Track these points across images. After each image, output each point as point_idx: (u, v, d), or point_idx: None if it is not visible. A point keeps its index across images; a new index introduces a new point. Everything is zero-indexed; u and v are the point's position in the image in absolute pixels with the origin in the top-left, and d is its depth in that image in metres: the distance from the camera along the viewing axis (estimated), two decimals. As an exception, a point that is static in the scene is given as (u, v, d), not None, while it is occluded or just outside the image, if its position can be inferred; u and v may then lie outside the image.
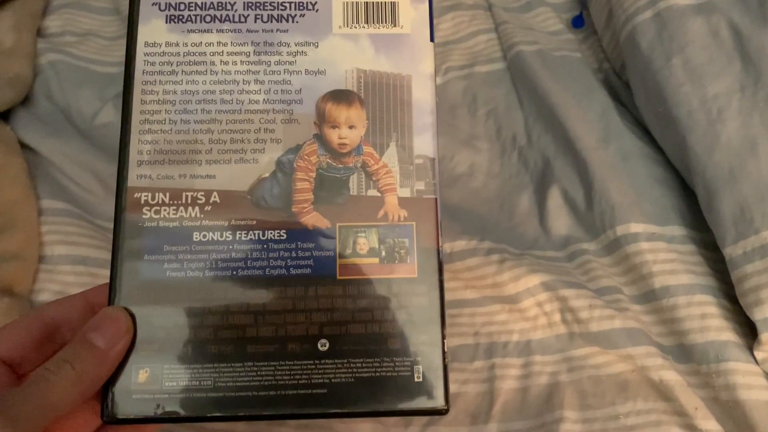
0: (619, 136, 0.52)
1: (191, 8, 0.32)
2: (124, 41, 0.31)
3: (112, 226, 0.51)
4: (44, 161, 0.54)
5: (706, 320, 0.43)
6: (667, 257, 0.45)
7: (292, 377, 0.29)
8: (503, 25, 0.61)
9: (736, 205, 0.42)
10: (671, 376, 0.42)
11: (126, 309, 0.29)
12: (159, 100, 0.31)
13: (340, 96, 0.31)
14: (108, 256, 0.48)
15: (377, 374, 0.30)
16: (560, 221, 0.51)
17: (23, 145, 0.54)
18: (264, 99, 0.31)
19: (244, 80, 0.31)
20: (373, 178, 0.31)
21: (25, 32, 0.59)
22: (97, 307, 0.30)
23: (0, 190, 0.49)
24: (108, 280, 0.30)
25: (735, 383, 0.41)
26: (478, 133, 0.57)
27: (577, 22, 0.61)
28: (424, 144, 0.32)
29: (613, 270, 0.48)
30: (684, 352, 0.43)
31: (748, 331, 0.43)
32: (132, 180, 0.30)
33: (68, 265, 0.48)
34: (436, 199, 0.31)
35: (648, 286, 0.45)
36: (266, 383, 0.29)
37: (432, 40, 0.33)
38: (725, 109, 0.46)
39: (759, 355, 0.41)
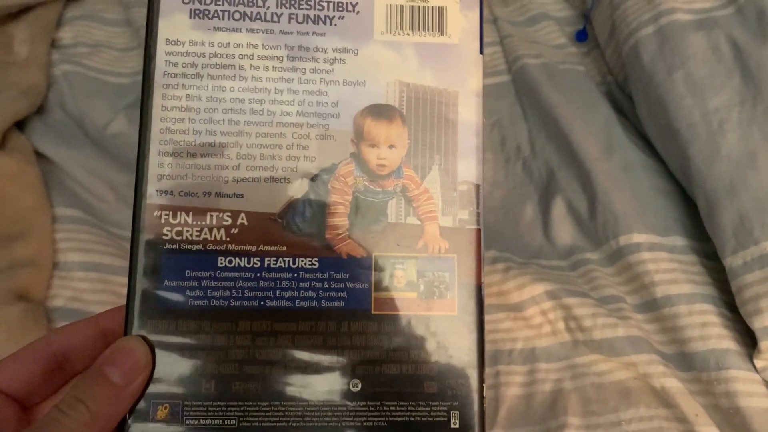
0: (622, 147, 0.53)
1: (218, 2, 0.29)
2: (135, 53, 0.28)
3: (124, 233, 0.53)
4: (58, 170, 0.55)
5: (707, 329, 0.44)
6: (669, 267, 0.46)
7: (321, 419, 0.27)
8: (508, 38, 0.62)
9: (736, 215, 0.43)
10: (672, 383, 0.43)
11: (144, 339, 0.27)
12: (182, 107, 0.28)
13: (381, 112, 0.29)
14: (121, 263, 0.50)
15: (412, 419, 0.28)
16: (564, 231, 0.52)
17: (38, 154, 0.55)
18: (297, 111, 0.28)
19: (276, 89, 0.28)
20: (413, 205, 0.29)
21: (39, 44, 0.60)
22: (109, 334, 0.28)
23: (16, 198, 0.50)
24: (121, 301, 0.28)
25: (735, 391, 0.42)
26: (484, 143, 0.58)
27: (581, 36, 0.62)
28: (469, 169, 0.29)
29: (615, 279, 0.49)
30: (685, 360, 0.44)
31: (748, 340, 0.44)
32: (151, 196, 0.28)
33: (81, 272, 0.49)
34: (479, 230, 0.29)
35: (650, 295, 0.46)
36: (294, 424, 0.27)
37: (482, 52, 0.30)
38: (725, 122, 0.47)
39: (759, 363, 0.42)
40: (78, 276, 0.49)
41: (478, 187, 0.29)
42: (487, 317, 0.48)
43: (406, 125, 0.29)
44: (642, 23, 0.53)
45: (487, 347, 0.47)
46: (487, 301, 0.48)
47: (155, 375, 0.27)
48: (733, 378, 0.42)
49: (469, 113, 0.29)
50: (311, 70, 0.29)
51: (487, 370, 0.46)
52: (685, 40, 0.51)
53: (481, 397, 0.28)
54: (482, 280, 0.29)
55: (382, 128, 0.29)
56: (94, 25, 0.65)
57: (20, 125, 0.57)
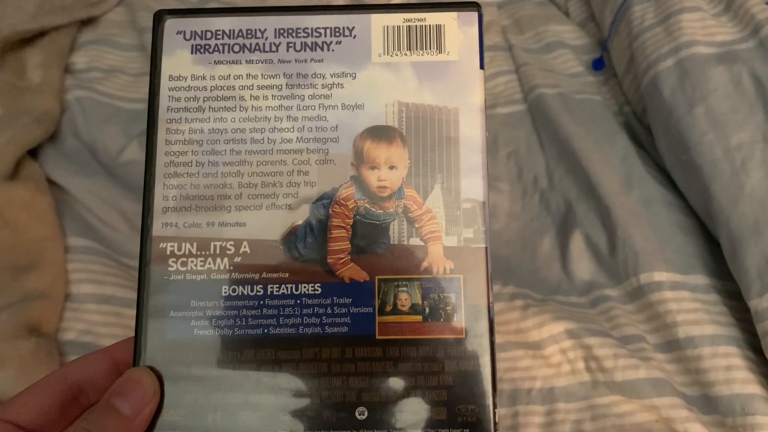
0: (642, 181, 0.53)
1: (218, 36, 0.29)
2: (148, 78, 0.29)
3: (137, 264, 0.52)
4: (71, 198, 0.54)
5: (732, 372, 0.43)
6: (691, 307, 0.46)
7: None
8: (523, 67, 0.62)
9: (762, 256, 0.43)
10: (697, 428, 0.42)
11: (152, 369, 0.27)
12: (185, 140, 0.29)
13: (380, 133, 0.28)
14: (133, 295, 0.49)
15: None
16: (583, 266, 0.51)
17: (51, 182, 0.55)
18: (297, 137, 0.29)
19: (276, 117, 0.29)
20: (416, 225, 0.28)
21: (53, 69, 0.60)
22: (122, 365, 0.28)
23: (28, 227, 0.50)
24: (132, 333, 0.28)
25: (761, 437, 0.41)
26: (500, 174, 0.58)
27: (598, 65, 0.62)
28: (473, 186, 0.28)
29: (636, 317, 0.48)
30: (709, 404, 0.43)
31: (774, 384, 0.43)
32: (157, 228, 0.28)
33: (94, 304, 0.48)
34: (486, 248, 0.28)
35: (672, 336, 0.46)
36: None
37: (482, 67, 0.29)
38: (749, 159, 0.46)
39: (785, 408, 0.41)
40: (90, 308, 0.48)
41: (483, 204, 0.28)
42: (505, 355, 0.47)
43: (407, 145, 0.29)
44: (661, 55, 0.53)
45: (506, 386, 0.46)
46: (505, 338, 0.47)
47: (164, 405, 0.27)
48: (760, 425, 0.41)
49: (470, 129, 0.28)
50: (310, 97, 0.29)
51: (506, 410, 0.45)
52: (705, 74, 0.50)
53: (494, 423, 0.27)
54: (491, 300, 0.28)
55: (382, 150, 0.28)
56: (108, 50, 0.64)
57: (33, 152, 0.56)
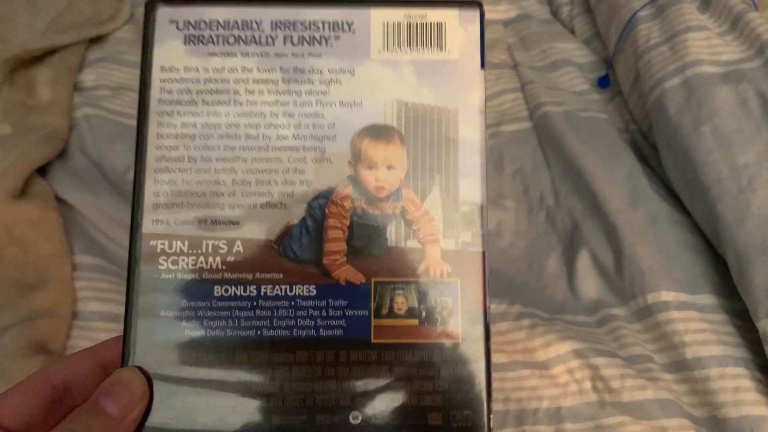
0: (648, 199, 0.53)
1: (213, 27, 0.28)
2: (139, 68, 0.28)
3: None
4: (79, 216, 0.54)
5: (740, 394, 0.43)
6: (699, 327, 0.45)
7: None
8: (529, 85, 0.62)
9: (769, 276, 0.43)
10: (705, 450, 0.42)
11: (141, 370, 0.26)
12: (177, 134, 0.28)
13: (379, 132, 0.28)
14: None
15: None
16: (589, 284, 0.51)
17: (59, 200, 0.55)
18: (293, 134, 0.28)
19: (271, 112, 0.28)
20: (414, 227, 0.28)
21: (62, 87, 0.60)
22: (109, 365, 0.28)
23: (36, 245, 0.50)
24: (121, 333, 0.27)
25: (770, 459, 0.41)
26: (505, 191, 0.58)
27: (604, 83, 0.62)
28: (471, 189, 0.28)
29: (643, 337, 0.48)
30: (717, 425, 0.43)
31: (783, 406, 0.43)
32: (147, 225, 0.27)
33: (101, 322, 0.49)
34: (483, 252, 0.28)
35: (679, 356, 0.45)
36: None
37: (483, 66, 0.29)
38: (755, 178, 0.46)
39: (794, 430, 0.41)
40: (97, 326, 0.49)
41: (481, 207, 0.28)
42: (512, 374, 0.47)
43: (405, 145, 0.28)
44: (667, 74, 0.53)
45: (512, 406, 0.46)
46: (512, 357, 0.47)
47: (152, 407, 0.26)
48: (769, 447, 0.41)
49: (470, 131, 0.28)
50: (307, 92, 0.28)
51: (512, 430, 0.45)
52: (711, 93, 0.50)
53: (489, 429, 0.27)
54: (487, 305, 0.27)
55: (380, 149, 0.28)
56: (116, 68, 0.65)
57: (41, 169, 0.57)
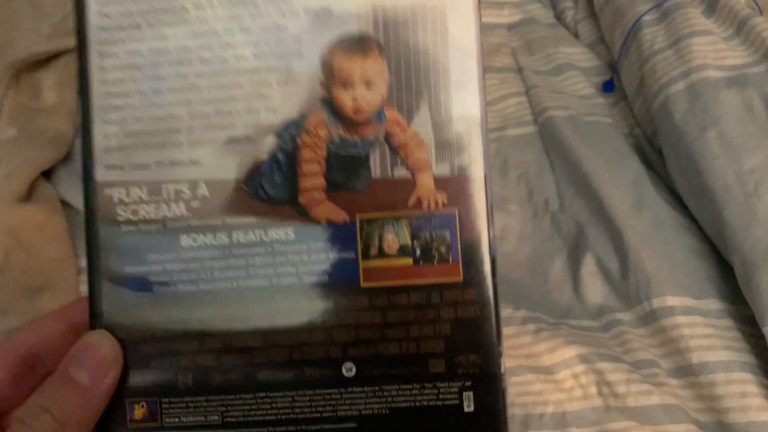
0: (653, 204, 0.53)
1: None
2: None
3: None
4: (83, 219, 0.54)
5: (746, 399, 0.42)
6: (705, 332, 0.45)
7: (313, 409, 0.24)
8: (533, 89, 0.62)
9: (775, 282, 0.43)
10: (711, 455, 0.42)
11: (112, 333, 0.24)
12: (122, 65, 0.24)
13: (352, 43, 0.24)
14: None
15: (417, 404, 0.24)
16: (594, 289, 0.51)
17: (64, 203, 0.55)
18: (253, 53, 0.24)
19: (225, 29, 0.24)
20: (401, 154, 0.24)
21: (67, 90, 0.60)
22: (81, 327, 0.25)
23: (42, 249, 0.50)
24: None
25: (776, 465, 0.40)
26: (510, 195, 0.58)
27: (608, 87, 0.62)
28: (467, 101, 0.24)
29: (648, 342, 0.48)
30: (723, 430, 0.43)
31: (790, 411, 0.43)
32: (100, 173, 0.24)
33: (106, 326, 0.48)
34: (485, 175, 0.24)
35: (685, 361, 0.45)
36: (283, 417, 0.24)
37: None
38: (761, 184, 0.46)
39: (801, 436, 0.41)
40: (102, 330, 0.48)
41: (480, 122, 0.24)
42: (517, 379, 0.47)
43: (385, 57, 0.24)
44: (672, 79, 0.53)
45: (517, 411, 0.46)
46: (517, 362, 0.47)
47: (129, 371, 0.24)
48: (775, 452, 0.41)
49: (462, 32, 0.24)
50: (264, 2, 0.24)
51: (518, 436, 0.45)
52: (716, 98, 0.50)
53: (501, 374, 0.24)
54: (491, 236, 0.24)
55: (356, 63, 0.24)
56: (121, 71, 0.65)
57: (46, 173, 0.57)
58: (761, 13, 0.55)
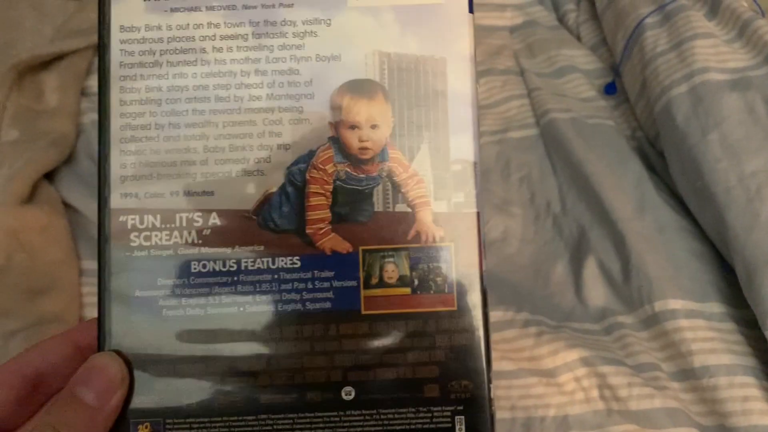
0: (655, 207, 0.53)
1: None
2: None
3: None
4: (86, 221, 0.55)
5: (749, 403, 0.42)
6: (707, 335, 0.45)
7: (313, 431, 0.25)
8: (535, 91, 0.62)
9: (778, 286, 0.42)
10: (713, 459, 0.42)
11: (119, 353, 0.25)
12: (142, 100, 0.26)
13: (360, 88, 0.26)
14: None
15: (412, 427, 0.25)
16: (597, 292, 0.51)
17: (66, 205, 0.55)
18: (267, 94, 0.26)
19: (242, 71, 0.26)
20: (402, 190, 0.26)
21: (69, 92, 0.60)
22: (86, 350, 0.26)
23: (43, 251, 0.50)
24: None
25: (779, 469, 0.40)
26: (512, 198, 0.58)
27: (610, 89, 0.62)
28: (463, 145, 0.26)
29: (650, 345, 0.48)
30: (726, 434, 0.43)
31: (792, 415, 0.43)
32: (115, 200, 0.25)
33: (108, 328, 0.48)
34: (478, 213, 0.26)
35: (687, 364, 0.45)
36: None
37: (471, 11, 0.26)
38: (764, 187, 0.46)
39: (803, 440, 0.41)
40: (104, 332, 0.48)
41: (474, 165, 0.26)
42: (518, 382, 0.47)
43: (389, 101, 0.26)
44: (674, 82, 0.53)
45: (519, 414, 0.46)
46: (518, 365, 0.47)
47: (134, 392, 0.25)
48: (778, 457, 0.41)
49: (459, 82, 0.26)
50: (280, 47, 0.26)
51: (520, 439, 0.45)
52: (719, 101, 0.50)
53: (489, 399, 0.25)
54: (483, 270, 0.26)
55: (363, 106, 0.26)
56: (123, 73, 0.65)
57: (49, 175, 0.57)
58: (764, 15, 0.55)
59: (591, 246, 0.53)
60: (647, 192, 0.54)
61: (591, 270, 0.52)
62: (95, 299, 0.49)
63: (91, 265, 0.51)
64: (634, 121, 0.60)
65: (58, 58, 0.62)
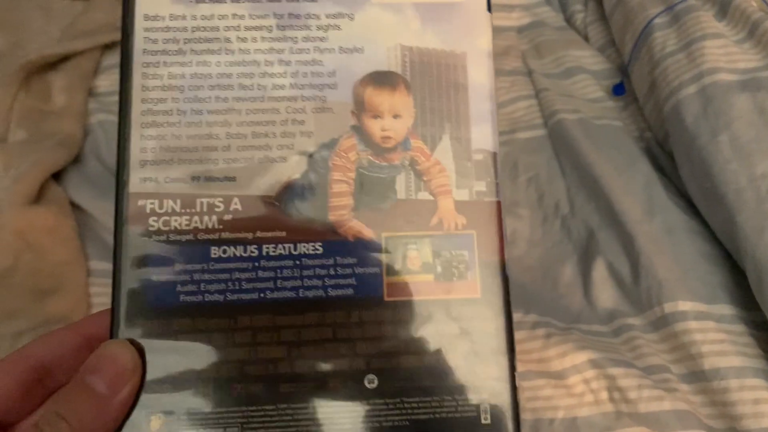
0: (664, 208, 0.52)
1: None
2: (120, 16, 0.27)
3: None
4: (93, 221, 0.55)
5: (760, 406, 0.42)
6: (717, 338, 0.45)
7: (334, 421, 0.24)
8: (543, 92, 0.62)
9: (789, 288, 0.42)
10: (724, 462, 0.41)
11: (132, 342, 0.24)
12: (164, 86, 0.26)
13: (382, 79, 0.27)
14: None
15: (437, 416, 0.25)
16: (605, 294, 0.51)
17: (73, 206, 0.55)
18: (291, 83, 0.26)
19: (266, 61, 0.26)
20: (424, 178, 0.26)
21: (76, 93, 0.60)
22: (94, 340, 0.25)
23: (51, 251, 0.50)
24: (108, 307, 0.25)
25: (790, 472, 0.40)
26: (519, 199, 0.58)
27: (618, 90, 0.62)
28: (484, 136, 0.27)
29: (660, 347, 0.47)
30: (736, 437, 0.43)
31: (803, 418, 0.42)
32: (134, 184, 0.25)
33: (115, 329, 0.48)
34: (498, 202, 0.26)
35: (697, 366, 0.45)
36: (304, 428, 0.24)
37: (489, 10, 0.27)
38: (774, 189, 0.46)
39: (815, 443, 0.41)
40: (111, 333, 0.48)
41: (494, 155, 0.27)
42: (527, 384, 0.47)
43: (411, 92, 0.27)
44: (684, 82, 0.52)
45: (528, 416, 0.46)
46: (527, 367, 0.47)
47: (146, 381, 0.24)
48: (789, 460, 0.40)
49: (480, 75, 0.27)
50: (303, 39, 0.26)
51: (528, 441, 0.45)
52: (729, 102, 0.50)
53: (514, 388, 0.25)
54: (505, 257, 0.26)
55: (385, 97, 0.26)
56: (130, 74, 0.65)
57: (56, 175, 0.57)
58: (773, 16, 0.54)
59: (600, 247, 0.52)
60: (656, 193, 0.53)
61: (600, 272, 0.51)
62: (103, 300, 0.49)
63: (98, 265, 0.51)
64: (642, 122, 0.60)
65: (65, 58, 0.62)
